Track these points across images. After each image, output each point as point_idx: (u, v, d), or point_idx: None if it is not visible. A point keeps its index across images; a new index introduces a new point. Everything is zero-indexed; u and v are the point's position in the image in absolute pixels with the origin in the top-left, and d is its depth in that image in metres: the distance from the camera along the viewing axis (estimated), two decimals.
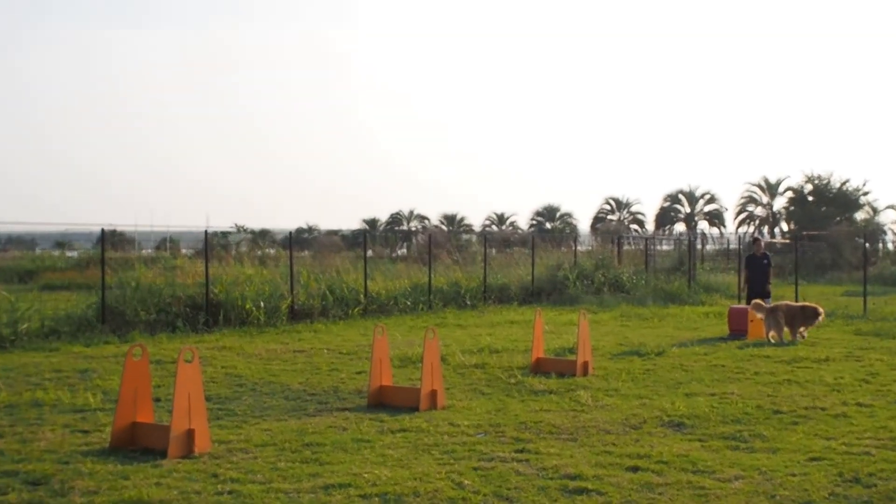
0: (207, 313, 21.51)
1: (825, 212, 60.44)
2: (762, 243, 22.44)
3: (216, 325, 21.40)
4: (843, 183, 61.86)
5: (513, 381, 13.21)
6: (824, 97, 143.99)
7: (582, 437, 9.57)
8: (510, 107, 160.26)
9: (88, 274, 31.62)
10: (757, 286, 21.44)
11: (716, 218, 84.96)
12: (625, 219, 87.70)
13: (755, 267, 21.69)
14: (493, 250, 44.79)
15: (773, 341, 18.61)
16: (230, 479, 7.62)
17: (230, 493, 7.19)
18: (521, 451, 8.81)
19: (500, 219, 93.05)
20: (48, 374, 14.34)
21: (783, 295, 28.16)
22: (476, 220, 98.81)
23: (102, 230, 21.75)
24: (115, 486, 7.42)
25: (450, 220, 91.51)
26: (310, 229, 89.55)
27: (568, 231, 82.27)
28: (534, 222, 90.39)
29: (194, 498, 7.09)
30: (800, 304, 19.54)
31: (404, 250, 66.76)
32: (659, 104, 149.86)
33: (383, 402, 11.17)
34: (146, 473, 7.82)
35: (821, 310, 19.23)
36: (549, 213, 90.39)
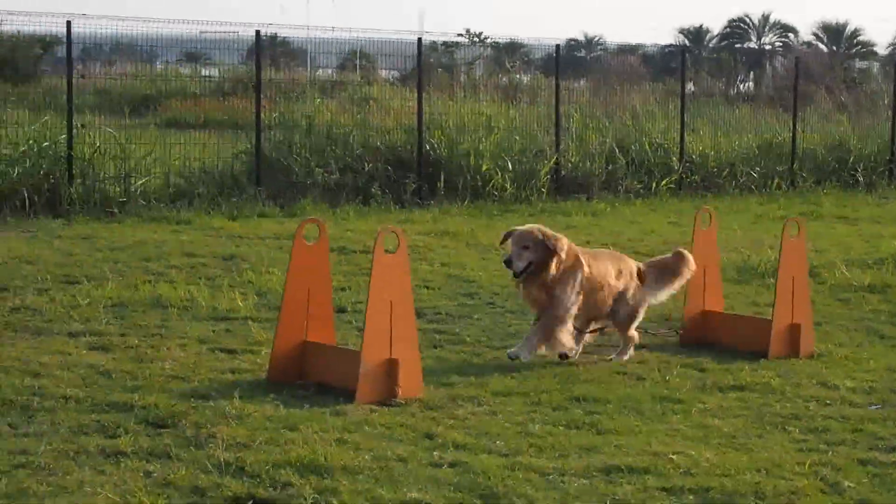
0: (420, 177, 16.98)
1: None
2: None
3: (433, 197, 16.81)
4: None
5: None
6: None
7: None
8: None
9: (234, 105, 22.27)
10: None
11: None
12: None
13: None
14: None
15: None
16: (452, 443, 5.92)
17: (452, 465, 5.58)
18: None
19: None
20: (176, 258, 11.39)
21: None
22: (880, 35, 72.89)
23: (258, 33, 17.03)
24: (275, 440, 5.79)
25: (833, 34, 61.69)
26: (589, 43, 65.64)
27: None
28: None
29: (397, 468, 5.49)
30: None
31: (751, 84, 48.17)
32: None
33: (707, 338, 8.60)
34: (323, 424, 6.12)
35: None
36: None
